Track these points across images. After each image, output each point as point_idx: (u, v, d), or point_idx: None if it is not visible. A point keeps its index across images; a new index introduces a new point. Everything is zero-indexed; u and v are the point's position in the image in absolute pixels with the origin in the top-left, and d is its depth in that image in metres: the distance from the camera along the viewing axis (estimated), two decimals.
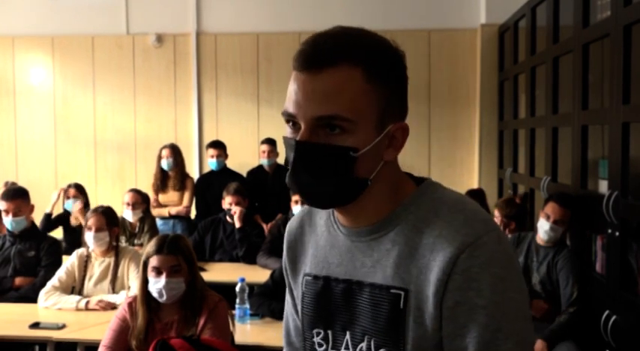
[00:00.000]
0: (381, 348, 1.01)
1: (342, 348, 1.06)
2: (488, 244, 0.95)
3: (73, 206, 4.75)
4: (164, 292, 2.52)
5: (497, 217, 3.89)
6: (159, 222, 4.97)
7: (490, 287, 0.94)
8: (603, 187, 3.10)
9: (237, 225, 4.43)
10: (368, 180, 0.99)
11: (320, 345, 1.10)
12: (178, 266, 2.54)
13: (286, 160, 1.01)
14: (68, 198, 4.78)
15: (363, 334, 1.03)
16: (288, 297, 1.24)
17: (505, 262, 0.96)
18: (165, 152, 5.25)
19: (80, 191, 4.84)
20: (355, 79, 0.94)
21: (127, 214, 4.53)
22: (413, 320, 0.98)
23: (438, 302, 0.96)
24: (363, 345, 1.03)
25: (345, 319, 1.06)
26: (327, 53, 0.94)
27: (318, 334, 1.10)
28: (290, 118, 0.98)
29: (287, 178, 1.00)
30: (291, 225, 1.19)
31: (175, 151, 5.29)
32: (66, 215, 4.82)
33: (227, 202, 4.52)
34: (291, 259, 1.18)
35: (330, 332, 1.08)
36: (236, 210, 4.45)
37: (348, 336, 1.06)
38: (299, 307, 1.15)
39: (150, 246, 2.59)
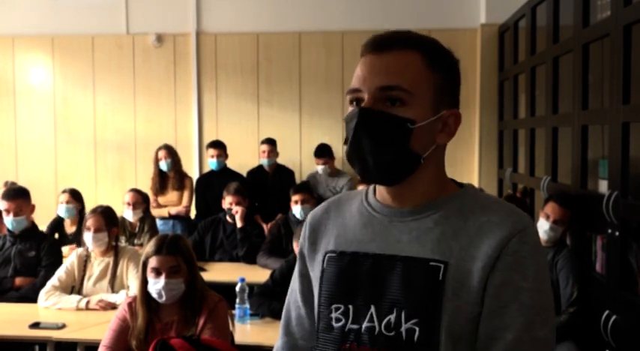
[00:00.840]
0: (412, 319, 1.03)
1: (365, 322, 1.07)
2: (534, 234, 1.04)
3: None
4: (163, 292, 2.52)
5: None
6: (159, 222, 4.96)
7: (534, 273, 1.01)
8: (603, 187, 3.10)
9: (239, 225, 4.43)
10: (421, 157, 1.06)
11: (338, 320, 1.10)
12: (178, 267, 2.53)
13: (346, 138, 1.08)
14: (61, 203, 4.56)
15: (391, 306, 1.05)
16: (296, 284, 1.24)
17: (544, 254, 1.07)
18: (162, 154, 5.25)
19: (75, 197, 4.61)
20: (415, 61, 1.05)
21: (128, 214, 4.53)
22: (452, 292, 1.01)
23: (484, 277, 1.01)
24: (392, 317, 1.05)
25: (370, 293, 1.08)
26: (390, 39, 1.07)
27: (337, 309, 1.11)
28: (354, 95, 1.07)
29: (347, 150, 1.07)
30: (316, 211, 1.24)
31: (172, 152, 5.30)
32: (60, 221, 4.63)
33: (227, 201, 4.52)
34: (311, 240, 1.20)
35: (351, 307, 1.09)
36: (238, 210, 4.45)
37: (372, 309, 1.07)
38: (316, 286, 1.16)
39: (149, 246, 2.59)
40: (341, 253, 1.13)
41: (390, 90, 1.03)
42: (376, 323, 1.06)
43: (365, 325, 1.07)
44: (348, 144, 1.07)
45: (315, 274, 1.18)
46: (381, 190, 1.14)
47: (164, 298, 2.53)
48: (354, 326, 1.08)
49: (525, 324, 0.99)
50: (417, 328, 1.02)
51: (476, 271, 1.01)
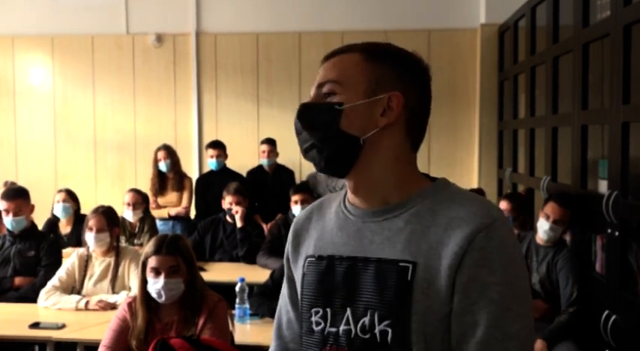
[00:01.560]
0: (385, 320, 1.03)
1: (342, 324, 1.08)
2: (502, 228, 1.03)
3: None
4: (163, 292, 2.52)
5: (505, 209, 3.90)
6: (158, 223, 4.95)
7: (503, 268, 1.00)
8: (603, 186, 3.10)
9: (239, 225, 4.43)
10: (360, 139, 1.08)
11: (317, 323, 1.12)
12: (177, 267, 2.53)
13: None
14: (58, 202, 4.51)
15: (365, 308, 1.06)
16: (285, 289, 1.27)
17: (516, 247, 1.06)
18: (161, 154, 5.25)
19: (71, 197, 4.56)
20: (353, 58, 1.11)
21: (128, 214, 4.53)
22: (421, 292, 1.01)
23: (451, 276, 1.00)
24: (366, 319, 1.06)
25: (345, 296, 1.09)
26: (336, 49, 1.15)
27: (316, 313, 1.12)
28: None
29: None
30: (299, 216, 1.27)
31: (171, 152, 5.30)
32: (55, 222, 4.58)
33: (227, 201, 4.52)
34: (294, 245, 1.23)
35: (329, 310, 1.11)
36: (238, 209, 4.45)
37: (348, 312, 1.08)
38: (299, 290, 1.18)
39: (148, 246, 2.59)
40: (319, 257, 1.15)
41: (324, 85, 1.11)
42: (352, 326, 1.07)
43: (342, 328, 1.08)
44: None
45: (297, 279, 1.20)
46: (348, 190, 1.16)
47: (163, 298, 2.53)
48: (333, 329, 1.10)
49: (495, 320, 0.99)
50: (390, 330, 1.03)
51: (443, 270, 1.01)
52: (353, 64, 1.10)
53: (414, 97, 1.11)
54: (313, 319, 1.13)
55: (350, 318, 1.08)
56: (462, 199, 1.07)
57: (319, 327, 1.12)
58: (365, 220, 1.11)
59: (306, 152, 1.12)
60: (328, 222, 1.18)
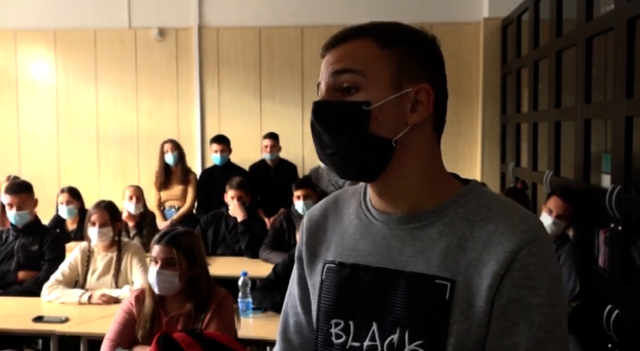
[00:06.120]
0: (417, 340, 0.96)
1: (367, 340, 1.00)
2: (545, 244, 0.95)
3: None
4: (155, 282, 2.53)
5: None
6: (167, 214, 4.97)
7: (545, 287, 0.93)
8: (606, 181, 3.10)
9: (240, 218, 4.43)
10: (391, 141, 0.97)
11: (338, 336, 1.03)
12: (172, 259, 2.53)
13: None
14: (62, 204, 4.42)
15: (394, 325, 0.98)
16: (295, 289, 1.18)
17: (557, 264, 0.98)
18: (167, 146, 5.28)
19: (74, 195, 4.47)
20: (367, 45, 0.98)
21: (129, 207, 4.53)
22: (460, 312, 0.94)
23: (491, 296, 0.93)
24: (395, 337, 0.98)
25: (371, 310, 1.01)
26: (341, 35, 1.01)
27: (337, 324, 1.04)
28: (319, 91, 1.02)
29: (316, 152, 1.02)
30: (312, 213, 1.16)
31: (177, 146, 5.33)
32: (61, 219, 4.53)
33: (229, 195, 4.53)
34: (310, 246, 1.12)
35: (351, 323, 1.02)
36: (232, 204, 4.44)
37: (374, 327, 1.00)
38: (314, 297, 1.09)
39: (156, 236, 2.64)
40: (340, 264, 1.05)
41: (341, 73, 0.97)
42: (378, 342, 0.99)
43: (367, 343, 1.00)
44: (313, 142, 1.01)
45: (313, 284, 1.11)
46: (372, 192, 1.05)
47: (157, 289, 2.54)
48: (356, 344, 1.01)
49: (536, 343, 0.92)
50: (421, 350, 0.96)
51: (483, 290, 0.93)
52: (370, 52, 0.98)
53: (438, 85, 1.01)
54: (333, 331, 1.04)
55: (376, 333, 1.00)
56: (500, 209, 0.98)
57: (340, 340, 1.03)
58: (392, 227, 1.02)
59: (327, 157, 1.00)
60: (349, 225, 1.08)
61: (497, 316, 0.93)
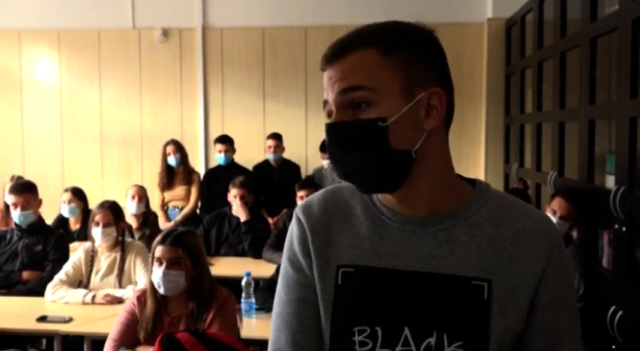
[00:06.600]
0: (456, 341, 0.96)
1: (399, 346, 0.98)
2: (562, 238, 1.03)
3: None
4: (161, 283, 2.53)
5: None
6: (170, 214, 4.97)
7: (569, 276, 1.02)
8: (610, 182, 3.09)
9: (243, 218, 4.43)
10: (412, 152, 0.96)
11: (363, 344, 1.00)
12: (178, 259, 2.54)
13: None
14: (64, 203, 4.37)
15: (430, 327, 0.97)
16: (300, 293, 1.06)
17: None
18: (170, 149, 5.28)
19: (78, 195, 4.44)
20: (371, 56, 0.96)
21: (132, 207, 4.54)
22: (498, 311, 0.97)
23: (531, 294, 0.98)
24: (432, 340, 0.97)
25: (402, 314, 0.99)
26: (341, 46, 0.98)
27: (361, 332, 1.00)
28: (326, 109, 1.01)
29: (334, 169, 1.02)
30: (311, 211, 1.08)
31: (180, 147, 5.33)
32: (64, 219, 4.51)
33: (232, 194, 4.53)
34: (317, 248, 1.05)
35: (379, 329, 0.99)
36: (235, 204, 4.44)
37: (407, 331, 0.98)
38: (326, 304, 1.03)
39: (158, 236, 2.63)
40: (359, 269, 1.01)
41: (351, 91, 0.95)
42: (413, 346, 0.98)
43: (399, 349, 0.98)
44: (330, 162, 1.02)
45: (323, 289, 1.03)
46: (385, 195, 1.04)
47: (162, 289, 2.54)
48: (385, 350, 0.99)
49: (573, 327, 1.02)
50: None
51: (522, 288, 0.97)
52: (374, 64, 0.95)
53: (447, 84, 1.00)
54: (356, 338, 1.00)
55: (410, 337, 0.98)
56: (516, 208, 1.03)
57: (366, 348, 0.99)
58: (414, 229, 1.01)
59: (348, 176, 0.99)
60: (361, 226, 1.04)
61: (542, 311, 0.98)
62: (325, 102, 1.00)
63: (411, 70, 0.96)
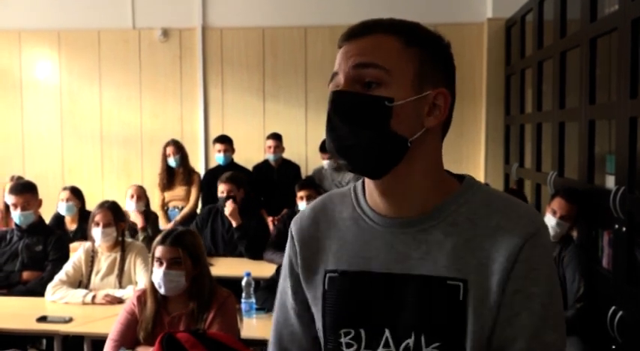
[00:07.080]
0: (434, 343, 0.97)
1: (380, 347, 1.00)
2: (545, 236, 0.99)
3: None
4: (162, 283, 2.53)
5: None
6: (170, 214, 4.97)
7: (545, 277, 0.97)
8: (610, 182, 3.09)
9: (234, 224, 4.31)
10: (407, 141, 0.97)
11: (349, 345, 1.03)
12: (179, 259, 2.54)
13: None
14: (62, 201, 4.40)
15: (409, 329, 0.99)
16: (288, 302, 1.14)
17: (553, 255, 1.04)
18: (170, 150, 5.27)
19: (76, 195, 4.44)
20: (391, 42, 0.98)
21: (131, 206, 4.53)
22: (474, 311, 0.96)
23: (500, 292, 0.96)
24: (410, 341, 0.98)
25: (383, 316, 1.01)
26: (363, 27, 1.00)
27: (346, 334, 1.03)
28: (332, 83, 1.00)
29: (327, 140, 1.00)
30: (301, 223, 1.12)
31: (179, 147, 5.33)
32: (60, 218, 4.51)
33: (220, 190, 4.40)
34: (305, 257, 1.09)
35: (362, 331, 1.02)
36: (228, 207, 4.29)
37: (387, 333, 1.00)
38: (317, 309, 1.07)
39: (158, 237, 2.63)
40: (343, 273, 1.04)
41: (365, 67, 0.96)
42: (393, 347, 0.99)
43: (381, 350, 1.00)
44: (326, 132, 0.98)
45: (314, 295, 1.08)
46: (372, 193, 1.04)
47: (163, 289, 2.54)
48: None
49: (535, 331, 0.95)
50: None
51: (494, 287, 0.96)
52: (394, 49, 0.97)
53: (453, 91, 1.02)
54: (343, 340, 1.03)
55: (390, 339, 1.00)
56: (499, 204, 1.01)
57: (351, 349, 1.02)
58: (394, 230, 1.01)
59: (343, 149, 0.98)
60: (346, 231, 1.06)
61: (504, 306, 0.96)
62: (334, 74, 1.00)
63: (425, 67, 0.98)
